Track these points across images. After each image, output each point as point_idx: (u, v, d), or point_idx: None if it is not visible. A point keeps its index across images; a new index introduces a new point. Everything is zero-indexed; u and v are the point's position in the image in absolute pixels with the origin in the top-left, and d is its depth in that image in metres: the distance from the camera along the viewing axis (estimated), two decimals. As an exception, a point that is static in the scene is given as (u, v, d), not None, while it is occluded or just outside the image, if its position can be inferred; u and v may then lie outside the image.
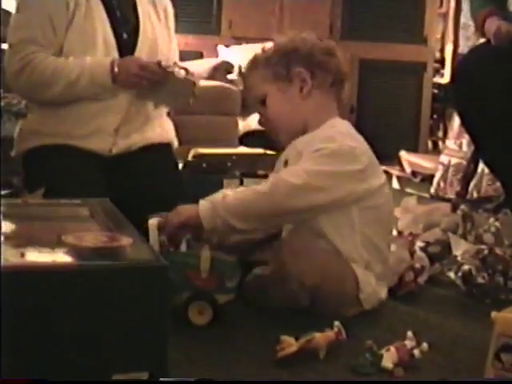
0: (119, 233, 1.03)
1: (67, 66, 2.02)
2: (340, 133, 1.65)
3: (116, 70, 2.03)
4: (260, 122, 1.76)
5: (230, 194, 1.55)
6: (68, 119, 2.07)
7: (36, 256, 0.93)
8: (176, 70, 2.07)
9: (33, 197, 1.77)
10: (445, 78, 4.91)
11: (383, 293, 1.68)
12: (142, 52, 2.11)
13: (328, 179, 1.56)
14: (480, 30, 2.48)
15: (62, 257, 0.95)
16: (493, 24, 2.38)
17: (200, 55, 4.69)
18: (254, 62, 1.74)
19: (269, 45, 1.75)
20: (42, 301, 0.89)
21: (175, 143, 2.28)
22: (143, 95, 2.11)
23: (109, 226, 1.10)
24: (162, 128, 2.21)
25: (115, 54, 2.07)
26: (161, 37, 2.18)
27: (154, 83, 2.05)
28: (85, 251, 0.95)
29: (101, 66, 2.04)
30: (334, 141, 1.60)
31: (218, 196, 1.54)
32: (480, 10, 2.48)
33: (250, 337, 1.48)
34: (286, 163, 1.68)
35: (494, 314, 1.17)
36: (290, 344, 1.39)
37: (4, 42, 2.31)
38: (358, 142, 1.66)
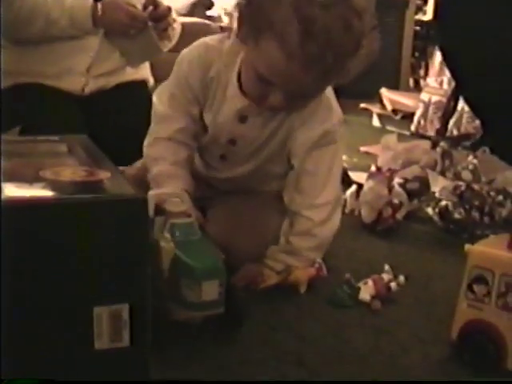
0: (98, 168, 1.03)
1: (46, 4, 1.97)
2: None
3: (100, 12, 1.98)
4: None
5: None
6: (40, 58, 2.04)
7: (14, 191, 0.93)
8: (150, 24, 2.01)
9: (9, 135, 1.75)
10: (427, 15, 4.86)
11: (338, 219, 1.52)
12: None
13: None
14: None
15: (39, 191, 0.95)
16: None
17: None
18: None
19: None
20: (20, 235, 0.89)
21: (151, 80, 2.25)
22: (112, 39, 2.07)
23: (87, 161, 1.09)
24: None
25: None
26: None
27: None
28: (63, 185, 0.95)
29: (82, 9, 1.99)
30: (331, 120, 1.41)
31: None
32: None
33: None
34: (244, 119, 1.41)
35: (467, 246, 1.20)
36: (270, 276, 1.41)
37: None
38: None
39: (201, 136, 1.47)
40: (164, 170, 1.39)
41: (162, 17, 2.03)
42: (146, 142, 1.48)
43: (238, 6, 1.26)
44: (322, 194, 1.43)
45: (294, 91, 1.26)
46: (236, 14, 1.27)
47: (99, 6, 2.00)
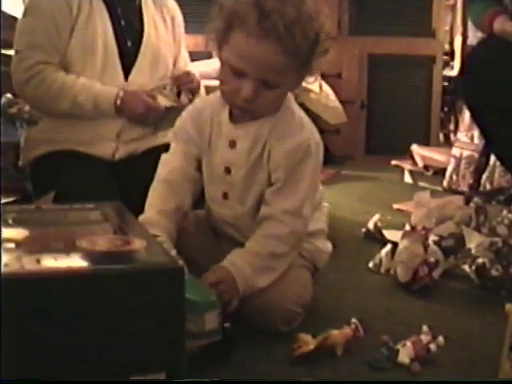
0: (133, 236, 1.04)
1: (75, 86, 2.02)
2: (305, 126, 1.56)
3: (119, 103, 2.05)
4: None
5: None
6: (72, 127, 2.09)
7: (51, 262, 0.94)
8: (168, 103, 2.13)
9: (43, 202, 1.77)
10: (454, 70, 4.89)
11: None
12: (144, 60, 2.12)
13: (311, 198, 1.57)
14: (488, 31, 2.47)
15: (76, 262, 0.96)
16: (505, 24, 2.38)
17: (209, 55, 4.70)
18: None
19: None
20: (60, 306, 0.90)
21: None
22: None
23: (122, 229, 1.11)
24: None
25: (116, 61, 2.08)
26: (165, 45, 2.19)
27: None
28: (99, 256, 0.96)
29: (107, 96, 2.05)
30: (304, 135, 1.53)
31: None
32: (484, 12, 2.47)
33: (265, 335, 1.48)
34: (233, 144, 1.56)
35: (508, 306, 1.18)
36: (306, 342, 1.39)
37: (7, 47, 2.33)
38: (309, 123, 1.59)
39: (199, 182, 1.63)
40: (149, 218, 1.52)
41: (194, 91, 2.19)
42: None
43: (217, 8, 1.50)
44: (288, 201, 1.51)
45: (262, 76, 1.43)
46: (214, 24, 1.50)
47: (121, 94, 2.05)
